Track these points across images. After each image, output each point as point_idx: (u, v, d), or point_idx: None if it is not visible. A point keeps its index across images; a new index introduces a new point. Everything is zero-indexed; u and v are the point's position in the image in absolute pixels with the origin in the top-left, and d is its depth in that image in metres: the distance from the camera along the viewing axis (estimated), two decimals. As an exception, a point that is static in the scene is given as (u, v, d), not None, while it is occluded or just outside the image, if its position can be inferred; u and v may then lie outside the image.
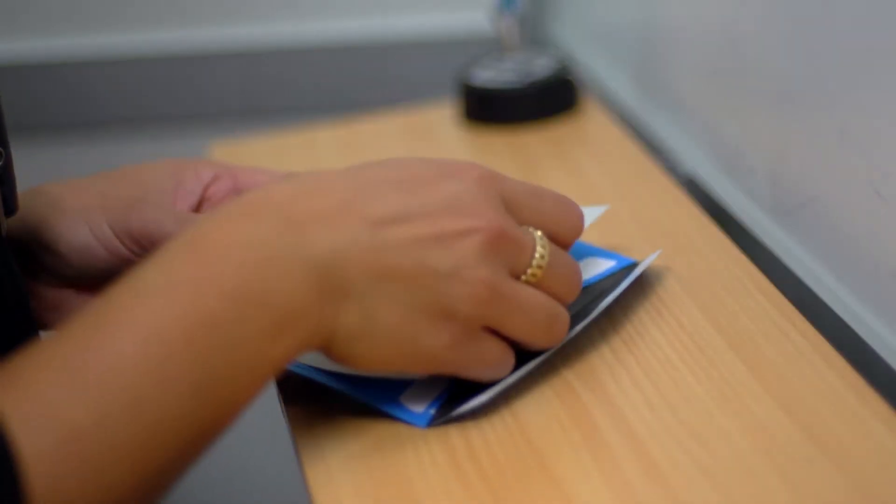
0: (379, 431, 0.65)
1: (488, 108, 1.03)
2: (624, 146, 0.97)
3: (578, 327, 0.68)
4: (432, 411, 0.65)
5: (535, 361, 0.67)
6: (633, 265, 0.74)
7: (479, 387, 0.65)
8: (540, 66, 1.03)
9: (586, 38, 1.22)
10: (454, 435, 0.64)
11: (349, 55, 1.38)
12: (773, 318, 0.71)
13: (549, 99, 1.02)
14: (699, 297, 0.73)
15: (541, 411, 0.65)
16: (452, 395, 0.66)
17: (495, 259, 0.63)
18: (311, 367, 0.67)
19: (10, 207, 0.70)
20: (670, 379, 0.66)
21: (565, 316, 0.66)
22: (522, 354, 0.66)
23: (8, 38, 1.38)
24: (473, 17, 1.31)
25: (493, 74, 1.03)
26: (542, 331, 0.65)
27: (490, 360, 0.64)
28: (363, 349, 0.61)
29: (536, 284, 0.64)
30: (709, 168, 0.93)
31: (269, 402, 0.76)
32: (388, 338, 0.61)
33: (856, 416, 0.62)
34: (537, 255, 0.64)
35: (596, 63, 1.16)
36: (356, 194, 0.62)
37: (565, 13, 1.29)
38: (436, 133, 1.04)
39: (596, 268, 0.75)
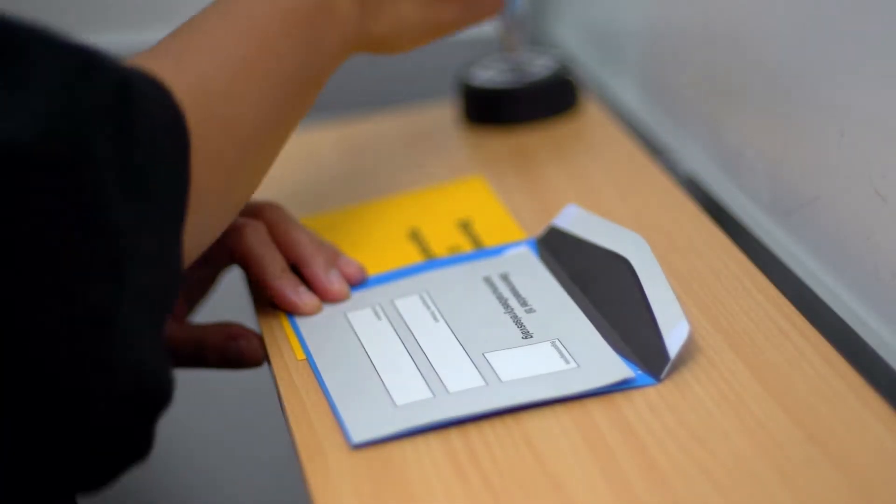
0: (379, 432, 0.65)
1: (488, 108, 1.02)
2: (624, 146, 0.96)
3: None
4: (637, 371, 0.67)
5: None
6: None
7: (650, 328, 0.68)
8: (540, 66, 1.03)
9: (586, 39, 1.22)
10: (454, 436, 0.64)
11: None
12: (773, 318, 0.71)
13: (549, 99, 1.02)
14: (699, 297, 0.73)
15: (541, 412, 0.65)
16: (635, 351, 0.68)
17: None
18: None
19: None
20: (670, 379, 0.66)
21: None
22: None
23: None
24: (473, 17, 1.31)
25: (493, 74, 1.03)
26: None
27: None
28: (396, 44, 0.82)
29: None
30: (709, 168, 0.93)
31: (268, 401, 0.76)
32: (417, 30, 0.83)
33: (856, 416, 0.62)
34: None
35: (596, 63, 1.16)
36: None
37: (565, 13, 1.29)
38: (435, 133, 1.04)
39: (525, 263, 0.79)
